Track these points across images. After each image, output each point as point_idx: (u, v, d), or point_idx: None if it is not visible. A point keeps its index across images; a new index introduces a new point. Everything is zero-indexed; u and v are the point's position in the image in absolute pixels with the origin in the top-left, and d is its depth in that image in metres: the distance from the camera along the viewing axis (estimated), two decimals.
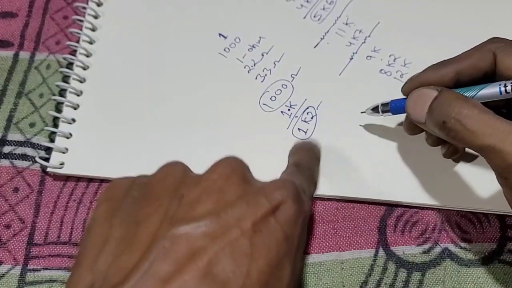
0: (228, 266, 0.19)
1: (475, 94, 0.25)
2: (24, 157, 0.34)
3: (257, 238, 0.19)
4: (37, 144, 0.34)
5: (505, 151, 0.22)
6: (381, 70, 0.36)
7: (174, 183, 0.22)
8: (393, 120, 0.34)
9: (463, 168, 0.32)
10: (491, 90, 0.25)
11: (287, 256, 0.21)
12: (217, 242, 0.19)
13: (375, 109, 0.31)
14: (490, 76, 0.26)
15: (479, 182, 0.32)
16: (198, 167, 0.33)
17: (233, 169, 0.22)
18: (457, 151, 0.31)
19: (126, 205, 0.21)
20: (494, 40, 0.26)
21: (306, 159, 0.27)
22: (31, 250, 0.31)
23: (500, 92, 0.24)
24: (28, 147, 0.34)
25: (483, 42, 0.26)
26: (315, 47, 0.37)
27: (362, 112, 0.33)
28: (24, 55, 0.37)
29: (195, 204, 0.20)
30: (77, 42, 0.37)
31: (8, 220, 0.32)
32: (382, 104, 0.31)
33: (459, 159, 0.32)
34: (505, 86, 0.24)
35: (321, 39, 0.37)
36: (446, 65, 0.27)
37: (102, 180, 0.33)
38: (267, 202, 0.20)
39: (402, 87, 0.29)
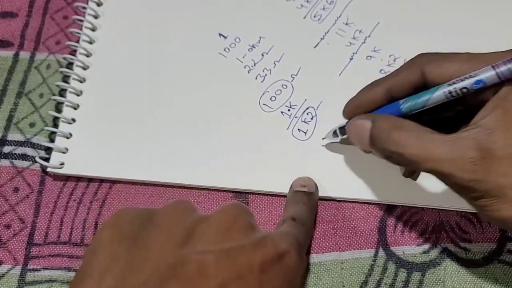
0: None
1: (429, 97, 0.25)
2: (24, 157, 0.34)
3: (264, 277, 0.20)
4: (37, 144, 0.34)
5: (446, 173, 0.22)
6: (381, 70, 0.36)
7: (183, 217, 0.22)
8: None
9: None
10: (440, 93, 0.24)
11: None
12: (227, 273, 0.19)
13: (334, 133, 0.31)
14: (421, 89, 0.26)
15: None
16: (198, 166, 0.33)
17: (240, 213, 0.23)
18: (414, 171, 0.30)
19: (134, 231, 0.22)
20: (421, 55, 0.26)
21: (302, 214, 0.28)
22: (31, 250, 0.31)
23: (446, 97, 0.24)
24: (28, 147, 0.34)
25: (411, 59, 0.26)
26: (315, 47, 0.37)
27: (323, 138, 0.33)
28: (24, 55, 0.37)
29: (205, 237, 0.21)
30: (77, 42, 0.37)
31: (8, 220, 0.32)
32: (340, 128, 0.30)
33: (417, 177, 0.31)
34: (450, 92, 0.24)
35: (321, 39, 0.37)
36: (377, 84, 0.27)
37: (102, 180, 0.33)
38: (273, 248, 0.22)
39: (343, 112, 0.29)
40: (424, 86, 0.26)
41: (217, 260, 0.20)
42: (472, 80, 0.23)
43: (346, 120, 0.29)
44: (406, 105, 0.26)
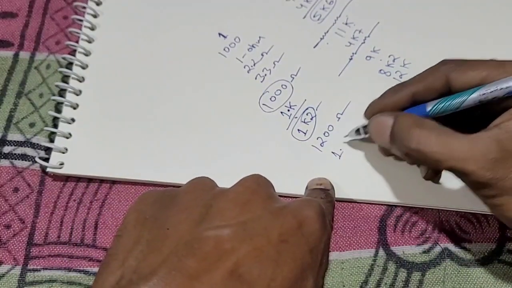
0: (254, 269, 0.19)
1: (463, 102, 0.25)
2: (24, 157, 0.34)
3: (283, 247, 0.20)
4: (37, 144, 0.34)
5: (468, 171, 0.23)
6: (380, 70, 0.36)
7: (202, 194, 0.23)
8: None
9: None
10: (473, 97, 0.25)
11: (311, 268, 0.21)
12: (244, 246, 0.20)
13: (357, 132, 0.32)
14: (445, 95, 0.26)
15: None
16: (198, 166, 0.33)
17: (259, 184, 0.23)
18: (436, 173, 0.30)
19: (155, 213, 0.22)
20: (445, 62, 0.27)
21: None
22: (31, 250, 0.31)
23: (475, 103, 0.25)
24: (28, 147, 0.34)
25: (434, 65, 0.27)
26: (314, 47, 0.37)
27: (345, 136, 0.33)
28: (24, 55, 0.37)
29: (223, 212, 0.21)
30: (77, 42, 0.37)
31: (8, 220, 0.32)
32: (363, 127, 0.31)
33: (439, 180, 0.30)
34: (480, 99, 0.25)
35: (321, 39, 0.37)
36: (402, 88, 0.28)
37: (102, 180, 0.33)
38: (293, 218, 0.21)
39: (365, 112, 0.31)
40: (448, 92, 0.26)
41: (234, 234, 0.20)
42: (504, 87, 0.24)
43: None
44: (434, 108, 0.26)
